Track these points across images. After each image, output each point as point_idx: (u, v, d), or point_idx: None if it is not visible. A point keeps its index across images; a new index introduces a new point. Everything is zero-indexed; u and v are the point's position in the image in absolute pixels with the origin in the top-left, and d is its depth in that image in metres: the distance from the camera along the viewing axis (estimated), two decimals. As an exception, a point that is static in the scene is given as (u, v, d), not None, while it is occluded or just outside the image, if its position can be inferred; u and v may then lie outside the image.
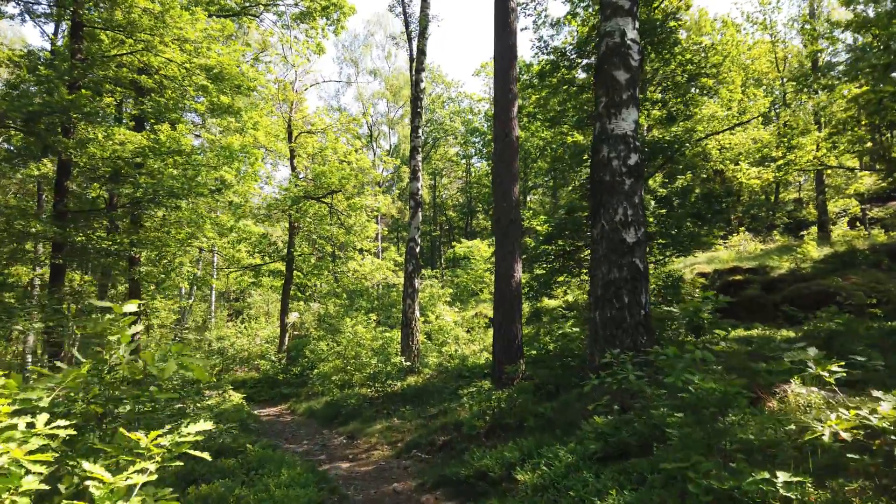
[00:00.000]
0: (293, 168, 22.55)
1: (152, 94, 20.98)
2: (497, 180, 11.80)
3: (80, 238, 17.37)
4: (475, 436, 8.27)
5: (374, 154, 40.99)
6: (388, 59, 44.52)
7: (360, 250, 24.89)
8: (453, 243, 24.50)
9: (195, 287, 28.87)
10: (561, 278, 14.21)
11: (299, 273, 23.33)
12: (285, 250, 22.69)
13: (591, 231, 8.60)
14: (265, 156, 27.25)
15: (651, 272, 15.03)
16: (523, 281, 15.85)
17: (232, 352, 25.17)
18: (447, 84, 47.69)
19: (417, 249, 17.23)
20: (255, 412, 16.16)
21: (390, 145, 45.78)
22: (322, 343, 20.01)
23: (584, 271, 14.93)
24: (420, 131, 17.46)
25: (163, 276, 21.77)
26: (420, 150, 17.59)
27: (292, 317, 31.39)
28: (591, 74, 15.47)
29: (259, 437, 11.15)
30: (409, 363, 15.87)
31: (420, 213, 17.37)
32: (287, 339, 22.63)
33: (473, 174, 51.88)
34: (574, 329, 10.02)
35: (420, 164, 17.49)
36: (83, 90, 16.74)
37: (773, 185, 30.84)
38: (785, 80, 30.77)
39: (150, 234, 20.38)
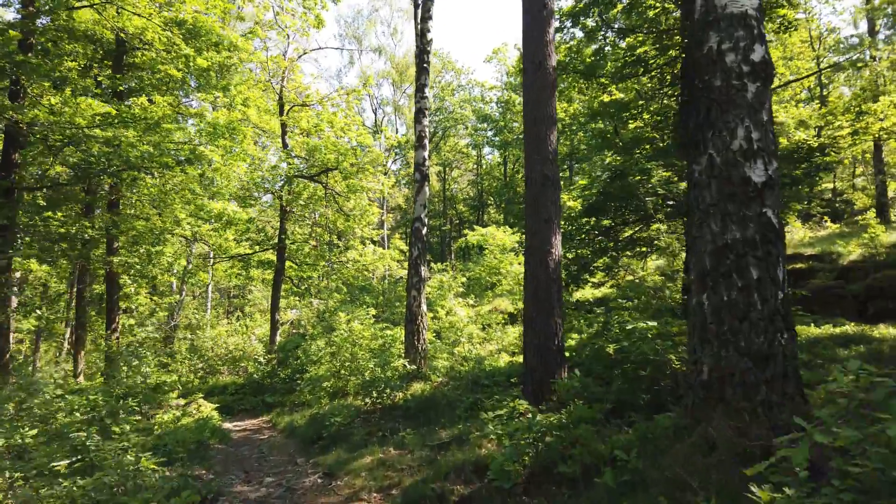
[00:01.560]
0: (285, 145, 19.52)
1: (131, 68, 18.10)
2: (528, 125, 8.67)
3: (27, 219, 14.45)
4: (510, 491, 5.15)
5: (381, 146, 37.88)
6: (393, 37, 41.29)
7: (362, 239, 21.84)
8: (465, 231, 21.38)
9: (185, 282, 25.91)
10: (601, 262, 11.05)
11: (293, 264, 20.28)
12: (276, 238, 19.64)
13: (690, 170, 5.44)
14: (259, 137, 24.28)
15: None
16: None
17: (219, 352, 22.16)
18: (457, 71, 44.57)
19: (424, 231, 14.14)
20: (229, 426, 13.12)
21: (395, 130, 42.43)
22: (316, 342, 16.97)
23: (627, 254, 11.76)
24: (427, 91, 14.37)
25: (138, 266, 18.81)
26: (427, 113, 14.49)
27: (291, 314, 28.38)
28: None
29: (208, 471, 8.08)
30: (413, 367, 12.78)
31: (427, 189, 14.26)
32: (279, 337, 19.59)
33: (484, 166, 48.73)
34: (644, 323, 6.85)
35: (427, 130, 14.39)
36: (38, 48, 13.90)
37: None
38: (822, 59, 27.54)
39: (129, 220, 17.48)
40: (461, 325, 17.47)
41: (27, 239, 14.11)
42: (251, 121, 21.75)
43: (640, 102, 12.89)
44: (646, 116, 13.15)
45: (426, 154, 14.34)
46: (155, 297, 25.99)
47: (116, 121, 13.97)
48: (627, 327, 7.00)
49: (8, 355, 14.05)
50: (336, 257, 20.09)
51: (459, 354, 13.97)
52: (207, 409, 13.21)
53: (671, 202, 9.34)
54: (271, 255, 20.19)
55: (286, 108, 19.84)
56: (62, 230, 14.02)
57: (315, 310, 24.73)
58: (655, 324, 6.72)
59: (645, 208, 9.49)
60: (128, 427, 7.79)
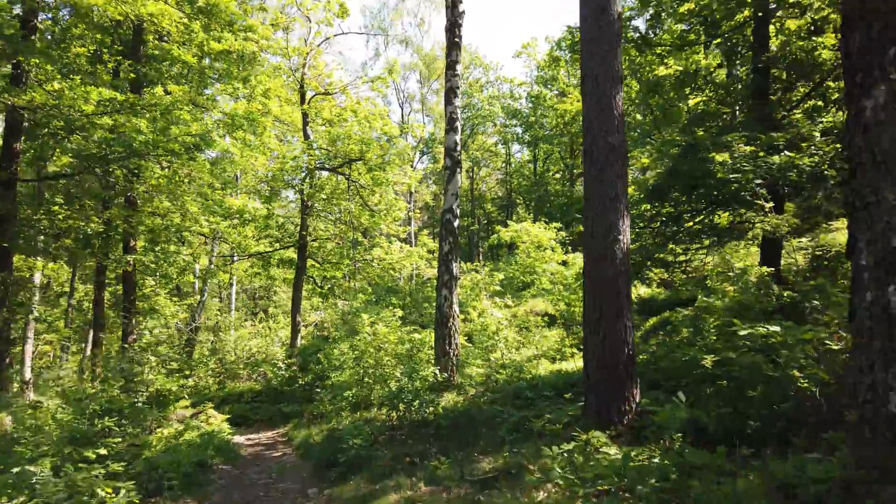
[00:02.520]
0: (306, 136, 18.12)
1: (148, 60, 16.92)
2: (589, 85, 7.01)
3: (30, 213, 13.25)
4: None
5: (408, 140, 36.32)
6: (420, 28, 39.65)
7: (387, 236, 20.33)
8: (496, 227, 19.71)
9: (206, 282, 24.72)
10: (668, 254, 9.31)
11: (315, 262, 18.87)
12: (297, 235, 18.24)
13: (856, 113, 3.74)
14: (280, 130, 22.97)
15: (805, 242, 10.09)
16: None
17: (240, 354, 20.85)
18: (486, 67, 42.91)
19: (456, 224, 12.54)
20: (241, 440, 11.68)
21: (421, 123, 40.85)
22: (338, 347, 15.50)
23: (695, 246, 9.97)
24: (458, 68, 12.79)
25: (153, 265, 17.58)
26: (458, 93, 12.90)
27: (315, 316, 27.03)
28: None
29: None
30: (444, 375, 11.18)
31: (459, 177, 12.67)
32: (300, 340, 18.18)
33: (513, 164, 46.96)
34: (763, 328, 5.10)
35: (458, 112, 12.80)
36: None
37: None
38: None
39: (143, 216, 16.27)
40: (495, 328, 15.84)
41: (28, 233, 12.88)
42: (272, 113, 20.45)
43: (705, 73, 11.14)
44: (708, 92, 11.38)
45: (458, 138, 12.75)
46: (175, 299, 24.88)
47: (124, 107, 12.73)
48: (742, 333, 5.25)
49: (8, 360, 12.85)
50: (360, 255, 18.61)
51: (496, 361, 12.32)
52: (217, 420, 11.79)
53: (758, 181, 7.58)
54: (292, 254, 18.82)
55: (308, 97, 18.45)
56: (65, 225, 12.77)
57: (339, 311, 23.33)
58: (778, 328, 4.98)
59: (725, 190, 7.74)
60: (104, 451, 6.34)
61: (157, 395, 11.26)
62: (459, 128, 12.83)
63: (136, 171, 12.82)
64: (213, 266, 22.95)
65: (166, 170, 13.24)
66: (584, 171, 7.08)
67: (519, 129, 41.58)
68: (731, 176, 7.47)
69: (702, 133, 9.65)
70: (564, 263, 19.58)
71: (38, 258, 17.39)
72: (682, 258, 9.48)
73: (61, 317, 27.90)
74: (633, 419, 6.36)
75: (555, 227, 20.29)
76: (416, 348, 12.43)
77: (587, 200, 6.90)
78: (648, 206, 9.18)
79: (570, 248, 20.66)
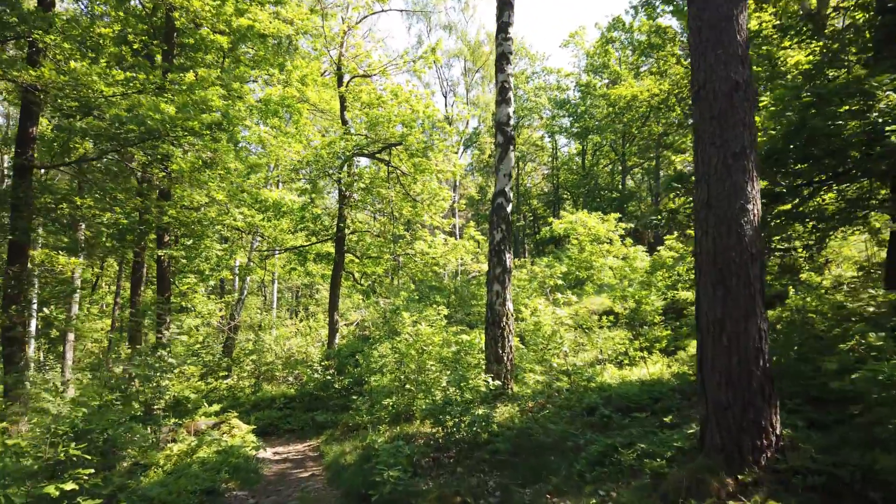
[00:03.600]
0: (343, 122, 16.65)
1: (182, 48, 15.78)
2: (698, 3, 5.16)
3: (47, 200, 12.16)
4: None
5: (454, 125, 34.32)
6: (464, 12, 37.65)
7: (431, 229, 18.70)
8: (549, 219, 17.81)
9: (244, 279, 23.62)
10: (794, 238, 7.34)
11: (353, 257, 17.40)
12: (334, 228, 16.78)
13: None
14: (316, 117, 21.63)
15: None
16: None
17: (279, 353, 19.60)
18: (531, 58, 40.86)
19: (509, 209, 10.78)
20: (268, 454, 10.21)
21: (466, 123, 38.87)
22: (377, 348, 13.96)
23: (822, 226, 7.91)
24: (510, 31, 11.03)
25: (184, 259, 16.43)
26: (511, 59, 11.14)
27: (356, 315, 25.63)
28: None
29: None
30: (498, 383, 9.43)
31: (513, 154, 10.90)
32: (338, 340, 16.73)
33: (560, 158, 44.77)
34: None
35: (511, 80, 11.04)
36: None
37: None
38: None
39: (178, 210, 15.15)
40: (551, 328, 14.01)
41: (51, 225, 11.78)
42: (310, 100, 19.10)
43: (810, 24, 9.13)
44: (816, 45, 9.29)
45: (510, 110, 10.98)
46: (213, 296, 23.88)
47: (147, 87, 11.48)
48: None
49: (23, 361, 11.75)
50: (402, 249, 17.03)
51: (558, 367, 10.48)
52: (242, 431, 10.36)
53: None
54: (330, 248, 17.39)
55: (345, 80, 16.98)
56: (88, 214, 11.61)
57: (380, 310, 21.86)
58: None
59: (876, 150, 5.77)
60: (69, 486, 4.85)
61: (175, 403, 9.89)
62: (512, 98, 11.06)
63: (158, 157, 11.51)
64: (251, 263, 21.78)
65: (189, 153, 11.90)
66: (694, 120, 5.23)
67: (566, 121, 39.37)
68: (887, 130, 5.51)
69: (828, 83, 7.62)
70: (626, 258, 17.55)
71: (62, 253, 16.41)
72: (810, 241, 7.46)
73: (99, 316, 27.37)
74: (774, 458, 4.49)
75: (614, 218, 18.26)
76: (463, 351, 10.75)
77: (699, 158, 5.06)
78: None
79: (631, 241, 18.56)
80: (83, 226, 18.00)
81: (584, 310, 16.69)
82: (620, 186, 37.26)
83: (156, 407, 9.87)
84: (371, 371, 12.97)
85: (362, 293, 20.23)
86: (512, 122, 11.00)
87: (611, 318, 13.49)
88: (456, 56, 34.69)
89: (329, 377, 13.91)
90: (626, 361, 12.16)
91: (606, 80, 35.51)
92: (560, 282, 14.03)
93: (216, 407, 14.09)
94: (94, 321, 25.92)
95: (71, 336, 21.27)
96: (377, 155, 15.60)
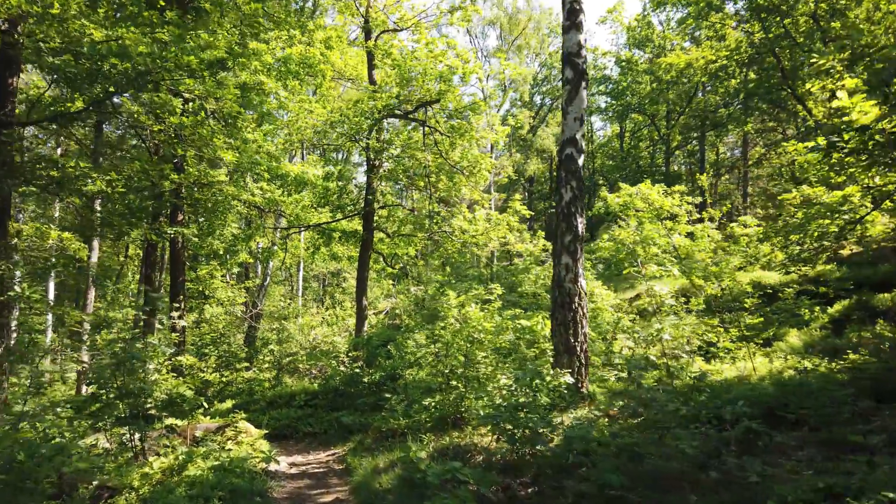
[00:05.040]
0: (371, 81, 14.43)
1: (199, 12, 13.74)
2: None
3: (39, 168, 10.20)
4: None
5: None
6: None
7: (469, 204, 16.38)
8: (601, 193, 15.36)
9: (265, 262, 21.63)
10: None
11: (383, 234, 15.19)
12: (362, 201, 14.57)
13: None
14: (341, 82, 19.47)
15: None
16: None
17: (303, 344, 17.58)
18: (566, 34, 38.04)
19: (581, 161, 8.44)
20: (282, 466, 8.06)
21: (499, 105, 36.10)
22: (413, 337, 11.77)
23: None
24: (580, -60, 8.68)
25: (195, 239, 14.44)
26: (581, -24, 8.75)
27: (385, 303, 23.49)
28: None
29: None
30: (569, 380, 7.07)
31: (584, 93, 8.53)
32: (367, 329, 14.57)
33: (595, 141, 41.98)
34: None
35: (583, 2, 8.66)
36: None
37: None
38: None
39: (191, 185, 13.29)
40: (609, 314, 11.63)
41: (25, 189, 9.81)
42: (334, 66, 16.88)
43: None
44: None
45: (582, 38, 8.61)
46: (232, 281, 22.00)
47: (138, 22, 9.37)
48: None
49: (2, 347, 9.80)
50: (438, 226, 14.77)
51: (635, 358, 8.09)
52: (251, 437, 8.24)
53: None
54: (357, 225, 15.20)
55: (374, 33, 14.72)
56: (59, 172, 9.55)
57: (412, 296, 19.63)
58: None
59: None
60: None
61: (169, 402, 7.79)
62: (584, 23, 8.67)
63: (154, 109, 9.41)
64: (273, 246, 19.73)
65: (189, 105, 9.77)
66: None
67: (603, 102, 36.55)
68: None
69: None
70: (691, 235, 15.02)
71: (54, 227, 14.54)
72: None
73: (124, 304, 25.70)
74: None
75: (678, 191, 15.70)
76: (522, 340, 8.45)
77: None
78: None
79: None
80: (97, 205, 16.19)
81: (632, 297, 14.31)
82: (664, 169, 34.39)
83: (148, 407, 7.78)
84: (406, 364, 10.78)
85: (392, 278, 18.05)
86: (584, 53, 8.62)
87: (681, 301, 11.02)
88: (491, 24, 32.07)
89: (357, 370, 11.74)
90: (712, 353, 9.79)
91: (649, 56, 32.68)
92: (657, 253, 11.50)
93: (228, 403, 12.05)
94: (116, 311, 24.20)
95: (87, 325, 19.55)
96: (411, 115, 13.31)
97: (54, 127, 10.26)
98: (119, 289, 27.33)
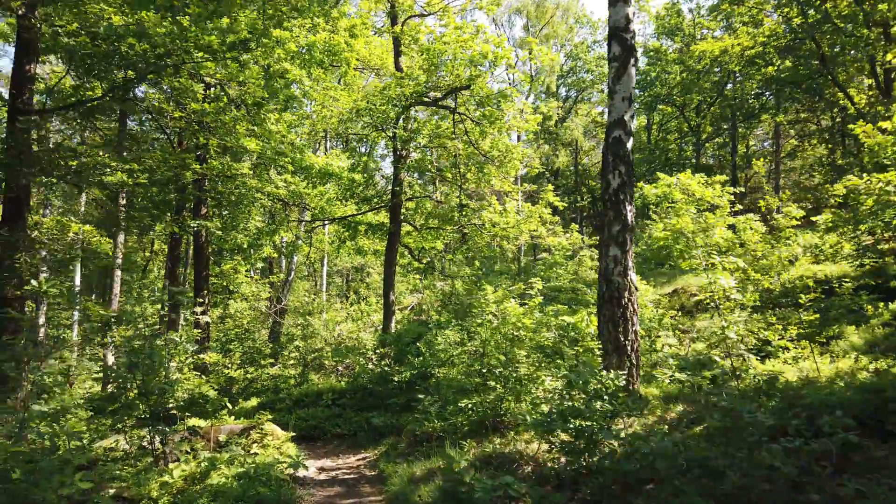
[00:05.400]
0: (398, 68, 13.83)
1: None
2: None
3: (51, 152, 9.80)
4: None
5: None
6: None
7: (499, 196, 15.73)
8: (639, 184, 14.56)
9: (289, 257, 21.24)
10: None
11: (410, 227, 14.62)
12: (388, 193, 14.01)
13: None
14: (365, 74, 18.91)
15: None
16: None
17: (328, 340, 17.12)
18: (594, 25, 37.05)
19: (629, 145, 7.75)
20: (311, 471, 7.53)
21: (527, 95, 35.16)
22: (444, 334, 11.18)
23: None
24: None
25: (219, 232, 14.03)
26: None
27: (411, 299, 22.94)
28: None
29: None
30: (620, 382, 6.38)
31: (633, 70, 7.84)
32: (394, 326, 14.02)
33: (622, 135, 40.83)
34: None
35: (629, -29, 7.97)
36: None
37: None
38: None
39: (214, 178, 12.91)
40: (656, 312, 10.90)
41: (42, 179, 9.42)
42: (359, 54, 16.31)
43: None
44: None
45: (630, 11, 7.91)
46: (256, 276, 21.65)
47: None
48: None
49: (22, 343, 9.42)
50: (468, 218, 14.13)
51: (698, 357, 7.40)
52: (278, 439, 7.73)
53: None
54: (383, 217, 14.65)
55: (400, 19, 14.11)
56: (77, 162, 9.14)
57: (438, 292, 19.04)
58: None
59: None
60: None
61: (191, 402, 7.31)
62: (633, -4, 7.97)
63: (174, 94, 8.94)
64: (299, 240, 19.28)
65: (211, 90, 9.28)
66: None
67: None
68: None
69: None
70: (732, 228, 14.19)
71: (75, 220, 14.23)
72: None
73: (150, 300, 25.58)
74: None
75: (719, 181, 14.84)
76: (566, 338, 7.80)
77: None
78: None
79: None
80: (123, 199, 15.90)
81: (670, 293, 13.53)
82: (694, 161, 33.26)
83: (170, 407, 7.31)
84: (438, 362, 10.20)
85: (419, 272, 17.48)
86: (632, 27, 7.91)
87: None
88: (517, 12, 31.18)
89: (386, 368, 11.20)
90: (779, 353, 9.01)
91: (679, 46, 31.61)
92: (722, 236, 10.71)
93: (253, 401, 11.62)
94: (136, 307, 23.97)
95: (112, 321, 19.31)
96: (440, 102, 12.69)
97: (75, 116, 9.81)
98: (144, 284, 27.20)
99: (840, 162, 22.65)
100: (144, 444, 6.59)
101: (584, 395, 5.65)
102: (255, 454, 7.06)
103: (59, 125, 15.11)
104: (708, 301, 7.72)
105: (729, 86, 29.25)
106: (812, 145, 29.24)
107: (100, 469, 5.85)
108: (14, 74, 9.81)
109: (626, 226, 7.59)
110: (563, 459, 5.36)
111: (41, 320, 21.13)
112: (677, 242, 8.69)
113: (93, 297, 28.96)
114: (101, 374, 11.74)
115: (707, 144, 35.28)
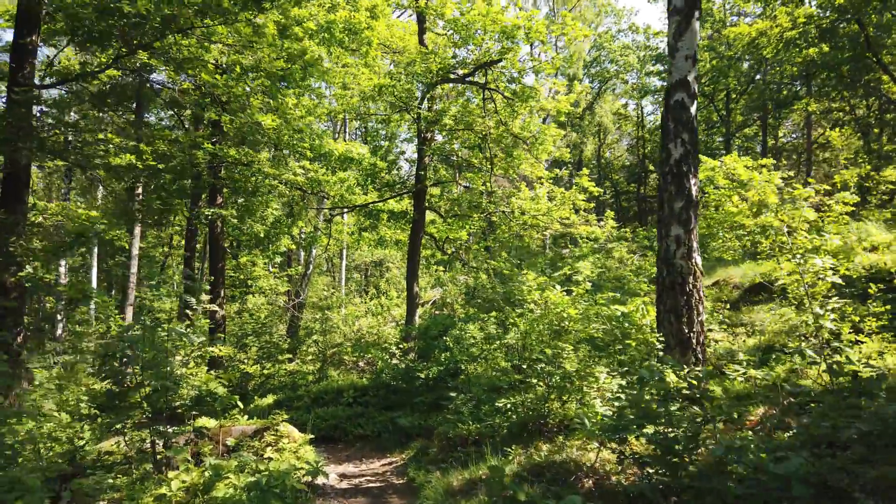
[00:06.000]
0: (421, 43, 12.89)
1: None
2: None
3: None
4: None
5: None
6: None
7: (528, 182, 14.72)
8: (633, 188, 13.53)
9: (313, 253, 20.45)
10: None
11: (435, 214, 13.70)
12: (412, 179, 13.09)
13: None
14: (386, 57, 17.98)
15: None
16: None
17: (347, 335, 16.30)
18: (618, 14, 35.80)
19: (693, 110, 6.73)
20: (331, 478, 6.65)
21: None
22: (472, 327, 10.27)
23: None
24: None
25: (234, 220, 13.25)
26: None
27: (431, 293, 22.02)
28: None
29: None
30: (688, 381, 5.34)
31: (696, 25, 6.83)
32: (418, 319, 13.11)
33: (645, 126, 39.56)
34: None
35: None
36: None
37: None
38: None
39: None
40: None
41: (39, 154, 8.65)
42: (380, 36, 15.40)
43: None
44: None
45: (694, -44, 6.87)
46: (275, 270, 20.90)
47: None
48: None
49: (20, 338, 8.68)
50: (496, 205, 13.17)
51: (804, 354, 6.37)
52: (294, 442, 6.84)
53: None
54: (407, 204, 13.74)
55: (424, -5, 13.16)
56: (76, 137, 8.37)
57: (462, 285, 18.08)
58: None
59: None
60: None
61: (199, 400, 6.46)
62: (698, -63, 6.94)
63: (182, 62, 8.10)
64: (317, 231, 18.43)
65: (224, 57, 8.43)
66: None
67: (658, 81, 34.15)
68: None
69: None
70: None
71: (81, 206, 13.51)
72: None
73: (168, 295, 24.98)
74: None
75: (767, 164, 13.68)
76: (621, 331, 6.81)
77: None
78: None
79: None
80: (140, 189, 15.21)
81: (712, 283, 12.43)
82: (724, 152, 31.89)
83: (175, 406, 6.47)
84: (469, 358, 9.27)
85: (443, 264, 16.55)
86: (696, -25, 6.88)
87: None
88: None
89: (411, 363, 10.29)
90: (849, 346, 7.92)
91: (710, 32, 30.25)
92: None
93: (269, 399, 10.79)
94: (163, 303, 23.26)
95: (129, 311, 18.70)
96: (470, 78, 11.71)
97: (87, 99, 8.99)
98: (164, 279, 26.56)
99: (887, 148, 21.33)
100: (144, 448, 5.75)
101: (656, 396, 4.67)
102: (269, 459, 6.18)
103: (75, 115, 14.46)
104: (786, 287, 6.65)
105: (758, 76, 27.97)
106: (846, 135, 27.83)
107: (92, 478, 5.02)
108: (14, 47, 9.06)
109: (691, 201, 6.57)
110: (636, 473, 4.40)
111: (58, 316, 20.63)
112: (757, 216, 7.62)
113: (113, 292, 28.48)
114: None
115: (737, 135, 33.89)
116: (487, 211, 13.39)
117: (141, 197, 15.16)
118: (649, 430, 4.28)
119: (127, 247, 19.18)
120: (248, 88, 8.39)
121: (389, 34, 16.42)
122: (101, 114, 10.13)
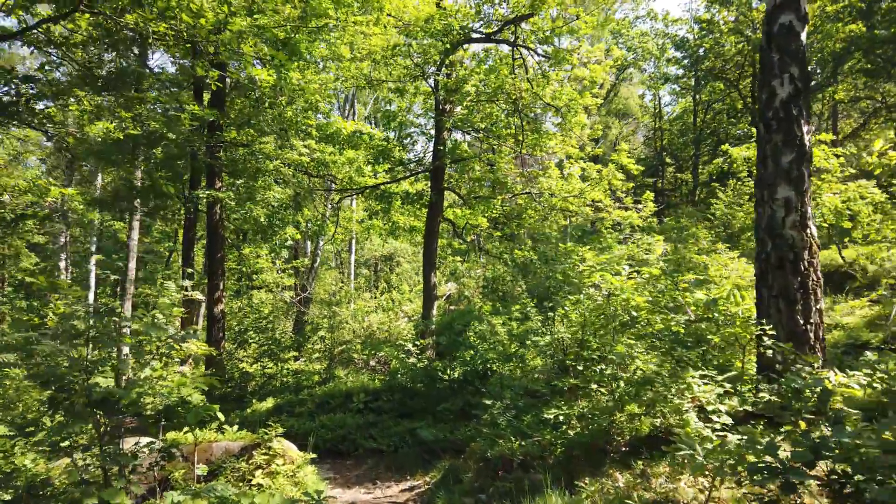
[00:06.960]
0: (439, 6, 11.37)
1: None
2: None
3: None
4: None
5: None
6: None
7: (558, 161, 13.14)
8: (723, 147, 11.88)
9: (320, 244, 18.95)
10: None
11: (456, 197, 12.15)
12: (428, 155, 11.56)
13: None
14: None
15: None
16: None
17: (356, 331, 14.82)
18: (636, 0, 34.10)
19: (804, 36, 5.17)
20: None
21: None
22: (500, 321, 8.71)
23: None
24: None
25: (232, 203, 11.79)
26: None
27: (447, 287, 20.49)
28: None
29: None
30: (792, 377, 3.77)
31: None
32: (435, 313, 11.56)
33: (664, 117, 37.83)
34: None
35: None
36: None
37: None
38: None
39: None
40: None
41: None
42: (394, 4, 13.87)
43: None
44: None
45: None
46: (281, 263, 19.44)
47: None
48: None
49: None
50: (523, 186, 11.61)
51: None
52: (291, 463, 5.31)
53: None
54: (423, 185, 12.20)
55: (442, -52, 11.60)
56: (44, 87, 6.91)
57: (479, 278, 16.59)
58: None
59: None
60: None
61: (166, 411, 4.93)
62: None
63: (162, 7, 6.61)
64: (325, 218, 16.88)
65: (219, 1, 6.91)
66: None
67: (677, 71, 32.42)
68: None
69: None
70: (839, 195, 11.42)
71: (55, 183, 12.10)
72: None
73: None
74: None
75: (825, 140, 12.03)
76: (716, 322, 5.23)
77: None
78: None
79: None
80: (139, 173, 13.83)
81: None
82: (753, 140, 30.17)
83: (125, 415, 4.95)
84: (500, 357, 7.72)
85: (461, 254, 14.99)
86: None
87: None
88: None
89: (429, 362, 8.74)
90: None
91: (735, 15, 28.51)
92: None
93: (269, 403, 9.30)
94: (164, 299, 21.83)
95: (128, 306, 17.30)
96: (497, 36, 10.14)
97: (50, 44, 7.53)
98: (167, 274, 25.14)
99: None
100: (85, 475, 4.25)
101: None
102: (259, 486, 4.66)
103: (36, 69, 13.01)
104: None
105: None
106: (878, 124, 26.07)
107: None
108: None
109: (803, 154, 5.00)
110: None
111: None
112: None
113: (117, 287, 27.18)
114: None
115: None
116: (513, 192, 11.81)
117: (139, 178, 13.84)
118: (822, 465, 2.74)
119: (124, 239, 17.85)
120: (237, 29, 6.87)
121: (402, 3, 14.91)
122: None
